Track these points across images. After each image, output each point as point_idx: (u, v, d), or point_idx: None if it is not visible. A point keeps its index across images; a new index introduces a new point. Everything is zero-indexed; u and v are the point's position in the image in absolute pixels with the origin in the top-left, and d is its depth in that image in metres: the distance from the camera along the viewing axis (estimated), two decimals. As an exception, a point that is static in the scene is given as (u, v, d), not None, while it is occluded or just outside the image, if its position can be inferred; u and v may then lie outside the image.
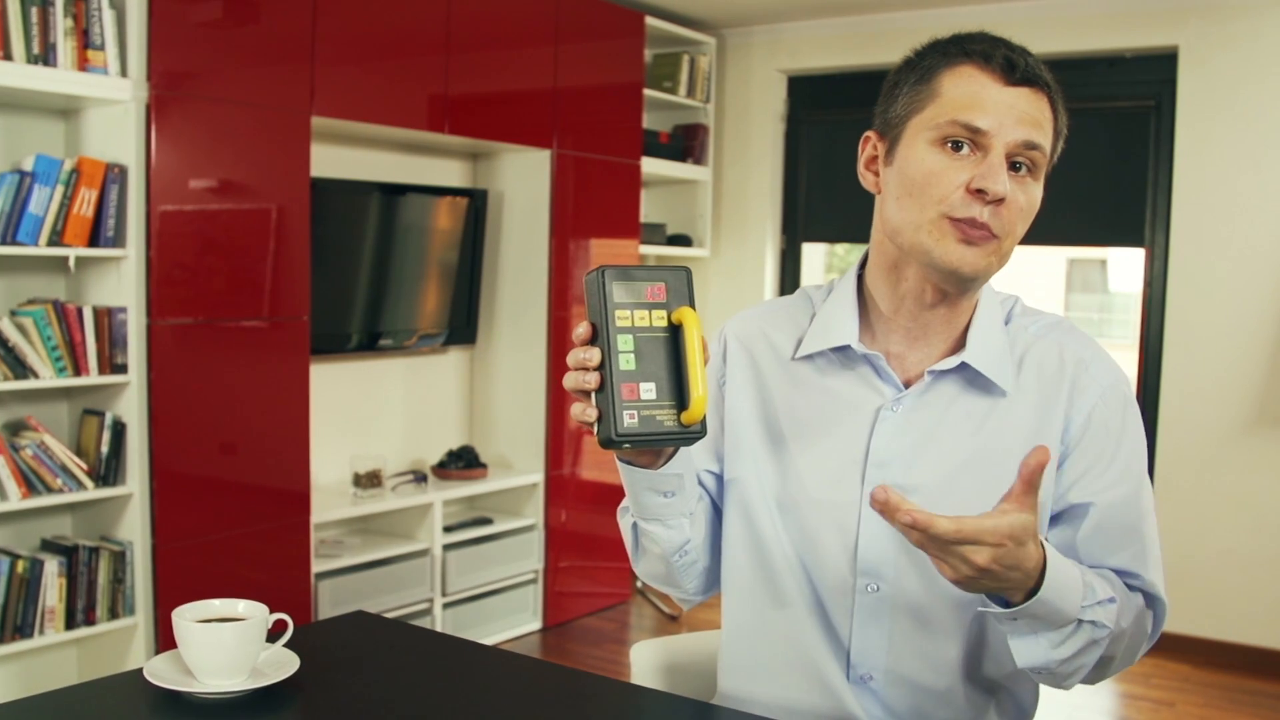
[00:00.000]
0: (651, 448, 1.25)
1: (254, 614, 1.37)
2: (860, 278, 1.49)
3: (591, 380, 1.19)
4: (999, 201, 1.30)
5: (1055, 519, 1.41)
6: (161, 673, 1.34)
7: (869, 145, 1.44)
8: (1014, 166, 1.32)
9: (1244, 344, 4.37)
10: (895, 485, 1.37)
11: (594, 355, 1.19)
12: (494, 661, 1.56)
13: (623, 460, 1.35)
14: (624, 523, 1.50)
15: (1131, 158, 4.69)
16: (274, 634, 1.41)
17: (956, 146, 1.32)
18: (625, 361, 1.18)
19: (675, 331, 1.21)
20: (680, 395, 1.19)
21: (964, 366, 1.39)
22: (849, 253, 9.69)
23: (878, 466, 1.39)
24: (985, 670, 1.42)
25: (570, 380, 1.20)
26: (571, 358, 1.21)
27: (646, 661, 1.70)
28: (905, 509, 1.12)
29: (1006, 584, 1.18)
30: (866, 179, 1.44)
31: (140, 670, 1.34)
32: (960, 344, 1.42)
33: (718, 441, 1.53)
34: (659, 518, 1.42)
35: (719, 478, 1.54)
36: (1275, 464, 4.32)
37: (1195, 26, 4.41)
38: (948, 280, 1.35)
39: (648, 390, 1.19)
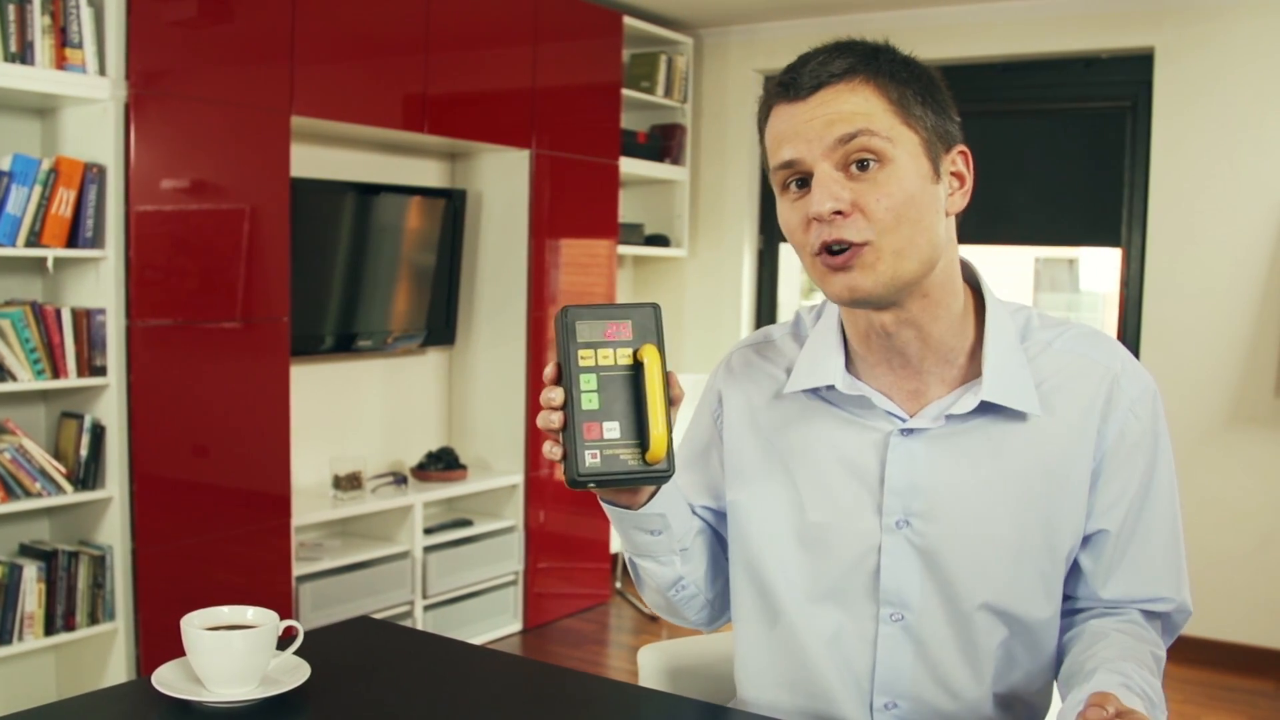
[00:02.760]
0: (616, 488, 1.24)
1: (264, 621, 1.35)
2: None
3: (556, 420, 1.20)
4: (842, 214, 1.24)
5: (1091, 540, 1.37)
6: (170, 681, 1.32)
7: None
8: (860, 166, 1.25)
9: (1220, 343, 4.41)
10: (915, 513, 1.34)
11: (558, 395, 1.19)
12: (505, 667, 1.55)
13: (604, 500, 1.33)
14: (625, 553, 1.47)
15: (1108, 158, 4.72)
16: (282, 640, 1.39)
17: (800, 185, 1.28)
18: (587, 401, 1.19)
19: (640, 370, 1.20)
20: (643, 434, 1.19)
21: (983, 404, 1.32)
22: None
23: (895, 495, 1.34)
24: (1009, 687, 1.39)
25: (540, 420, 1.21)
26: (542, 397, 1.21)
27: (654, 664, 1.69)
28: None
29: None
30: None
31: (149, 679, 1.32)
32: (961, 365, 1.36)
33: (714, 479, 1.50)
34: (650, 554, 1.40)
35: (715, 513, 1.50)
36: (1251, 463, 4.37)
37: (1171, 27, 4.45)
38: (869, 308, 1.31)
39: (610, 429, 1.19)
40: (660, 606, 1.51)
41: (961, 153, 1.33)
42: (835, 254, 1.26)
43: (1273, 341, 4.31)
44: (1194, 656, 4.40)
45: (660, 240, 5.47)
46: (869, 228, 1.25)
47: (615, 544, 5.26)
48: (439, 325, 4.66)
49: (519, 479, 4.69)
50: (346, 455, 4.26)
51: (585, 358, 1.19)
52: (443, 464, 4.55)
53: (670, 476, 1.20)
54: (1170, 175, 4.50)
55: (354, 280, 4.28)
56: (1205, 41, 4.40)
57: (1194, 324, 4.46)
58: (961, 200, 1.33)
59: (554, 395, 1.19)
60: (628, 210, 5.47)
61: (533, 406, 4.67)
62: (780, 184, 1.31)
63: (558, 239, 4.76)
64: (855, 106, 1.26)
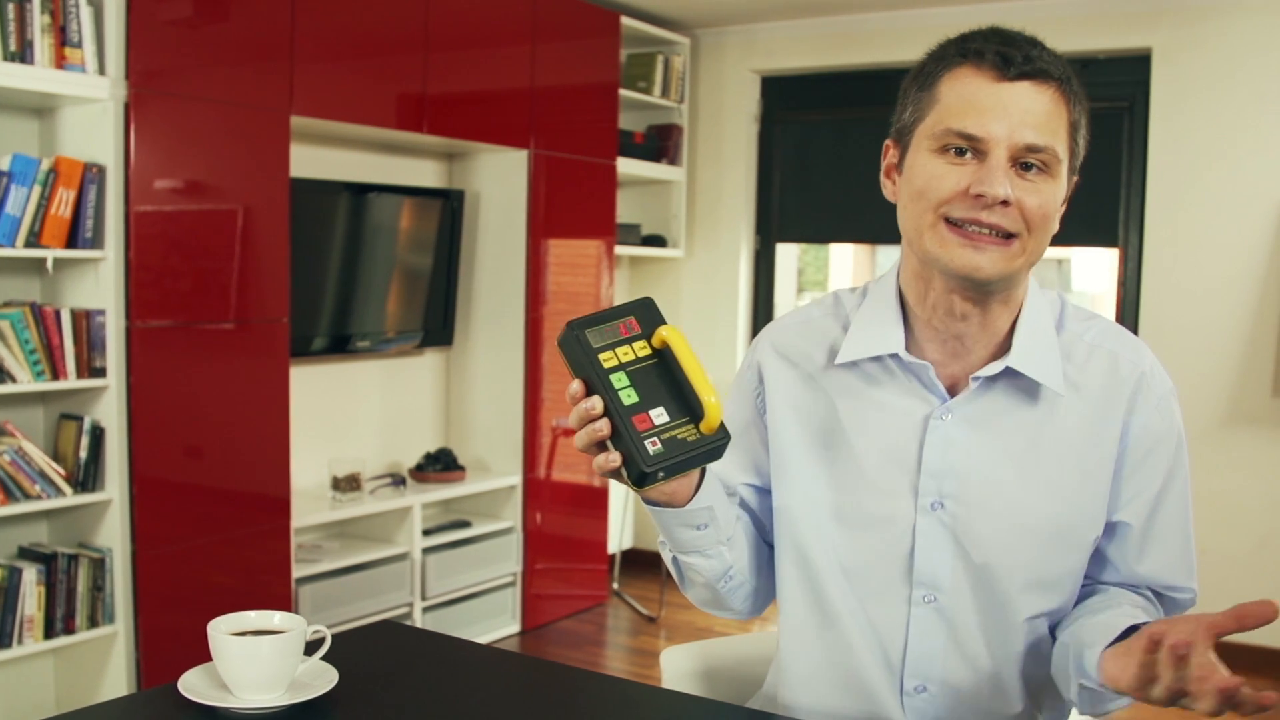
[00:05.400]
0: (686, 470, 1.23)
1: (292, 626, 1.34)
2: (899, 283, 1.44)
3: (603, 427, 1.19)
4: (1004, 204, 1.26)
5: (1114, 529, 1.40)
6: (197, 687, 1.31)
7: (888, 153, 1.41)
8: (1024, 166, 1.27)
9: (1218, 343, 4.42)
10: (949, 495, 1.36)
11: (596, 404, 1.19)
12: (531, 671, 1.54)
13: (649, 502, 1.32)
14: (665, 554, 1.47)
15: (1105, 159, 4.73)
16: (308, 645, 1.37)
17: (959, 153, 1.28)
18: (627, 396, 1.19)
19: (662, 355, 1.22)
20: (691, 408, 1.20)
21: (1009, 371, 1.35)
22: (805, 252, 9.74)
23: (931, 476, 1.37)
24: (1037, 670, 1.41)
25: (582, 438, 1.20)
26: (574, 417, 1.21)
27: (677, 667, 1.68)
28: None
29: None
30: (886, 187, 1.42)
31: (175, 684, 1.31)
32: (1003, 350, 1.38)
33: (755, 454, 1.50)
34: (697, 549, 1.39)
35: (758, 490, 1.51)
36: (1248, 462, 4.38)
37: (1168, 28, 4.46)
38: (969, 286, 1.31)
39: (659, 415, 1.19)
40: (707, 601, 1.51)
41: (1075, 182, 1.38)
42: (973, 231, 1.28)
43: (1270, 341, 4.33)
44: (1192, 656, 4.40)
45: (657, 241, 5.46)
46: (1018, 223, 1.28)
47: (613, 545, 5.26)
48: (436, 326, 4.64)
49: (517, 480, 4.67)
50: (345, 457, 4.24)
51: (608, 360, 1.20)
52: (441, 465, 4.53)
53: (728, 443, 1.22)
54: (1168, 175, 4.51)
55: (352, 281, 4.26)
56: (1202, 42, 4.41)
57: (1192, 324, 4.47)
58: (1057, 225, 1.36)
59: (592, 404, 1.19)
60: (625, 210, 5.45)
61: (531, 408, 4.66)
62: (940, 146, 1.30)
63: (555, 239, 4.75)
64: (1051, 116, 1.28)
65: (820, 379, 1.45)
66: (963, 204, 1.28)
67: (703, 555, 1.40)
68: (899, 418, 1.39)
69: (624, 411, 1.18)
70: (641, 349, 1.22)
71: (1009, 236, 1.28)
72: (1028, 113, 1.27)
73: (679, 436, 1.19)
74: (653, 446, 1.18)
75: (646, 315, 1.24)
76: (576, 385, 1.20)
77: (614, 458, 1.19)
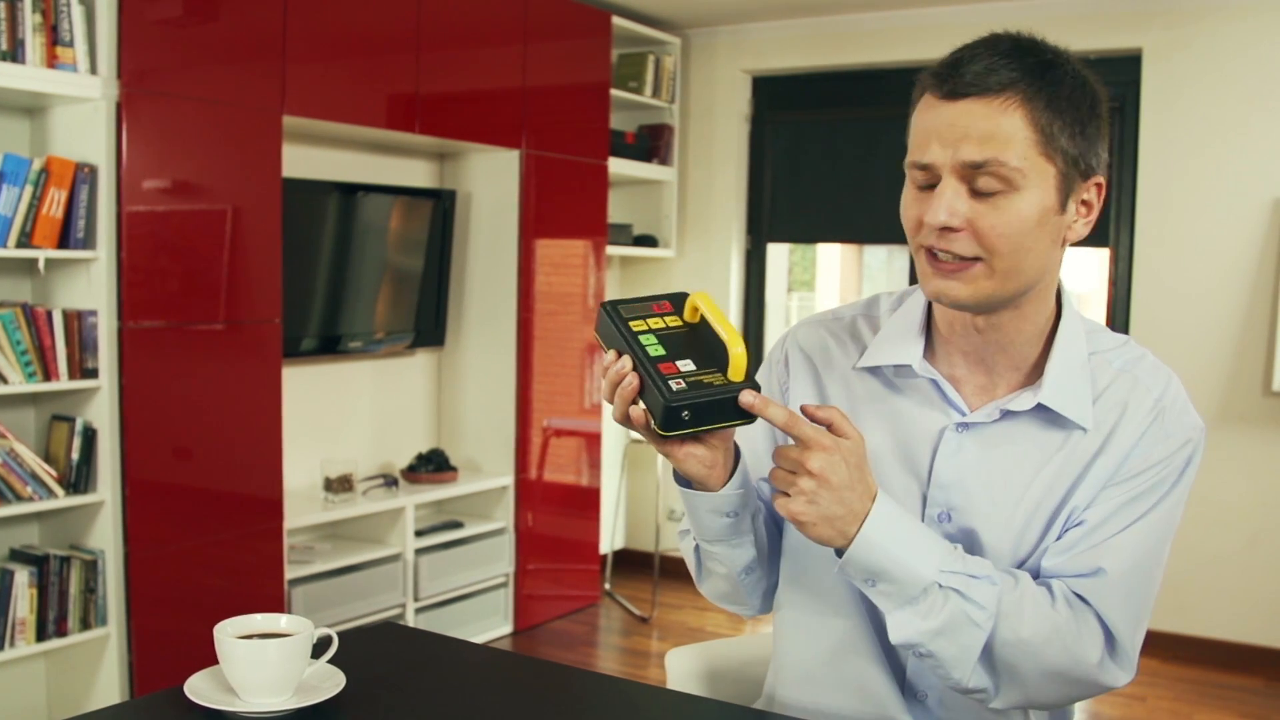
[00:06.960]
0: (714, 423, 1.20)
1: (298, 629, 1.33)
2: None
3: (631, 381, 1.20)
4: (953, 229, 1.24)
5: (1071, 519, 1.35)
6: (203, 691, 1.30)
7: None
8: (977, 185, 1.23)
9: (1208, 342, 4.44)
10: (956, 509, 1.36)
11: (625, 363, 1.20)
12: (538, 673, 1.54)
13: (682, 485, 1.32)
14: (685, 545, 1.46)
15: (1096, 159, 4.73)
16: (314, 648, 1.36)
17: (928, 183, 1.27)
18: (654, 350, 1.21)
19: (694, 328, 1.24)
20: (720, 360, 1.21)
21: (1038, 405, 1.33)
22: (793, 252, 9.73)
23: (940, 488, 1.36)
24: None
25: (615, 402, 1.21)
26: (605, 385, 1.22)
27: (683, 668, 1.68)
28: (774, 407, 1.19)
29: (843, 514, 1.20)
30: None
31: (180, 688, 1.30)
32: (1027, 370, 1.37)
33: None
34: (724, 539, 1.38)
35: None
36: (1240, 461, 4.39)
37: (1159, 29, 4.48)
38: (958, 309, 1.32)
39: (686, 365, 1.21)
40: (723, 594, 1.50)
41: (1097, 184, 1.31)
42: (940, 259, 1.27)
43: (1261, 340, 4.35)
44: (1185, 654, 4.43)
45: (648, 241, 5.46)
46: (978, 247, 1.25)
47: (605, 545, 5.25)
48: (428, 326, 4.63)
49: (509, 480, 4.66)
50: (337, 458, 4.23)
51: (638, 326, 1.23)
52: (433, 466, 4.52)
53: (757, 390, 1.20)
54: (1158, 175, 4.52)
55: (343, 281, 4.25)
56: (1192, 42, 4.42)
57: (1182, 323, 4.49)
58: (1084, 229, 1.32)
59: (621, 364, 1.21)
60: (616, 211, 5.45)
61: (523, 408, 4.65)
62: (911, 178, 1.30)
63: (547, 239, 4.74)
64: (997, 129, 1.22)
65: (845, 380, 1.45)
66: (926, 233, 1.27)
67: (728, 545, 1.39)
68: (916, 426, 1.39)
69: (649, 361, 1.19)
70: (673, 320, 1.25)
71: (975, 259, 1.26)
72: (968, 130, 1.23)
73: (704, 381, 1.19)
74: (677, 385, 1.18)
75: (679, 300, 1.27)
76: (610, 356, 1.22)
77: (638, 413, 1.20)
